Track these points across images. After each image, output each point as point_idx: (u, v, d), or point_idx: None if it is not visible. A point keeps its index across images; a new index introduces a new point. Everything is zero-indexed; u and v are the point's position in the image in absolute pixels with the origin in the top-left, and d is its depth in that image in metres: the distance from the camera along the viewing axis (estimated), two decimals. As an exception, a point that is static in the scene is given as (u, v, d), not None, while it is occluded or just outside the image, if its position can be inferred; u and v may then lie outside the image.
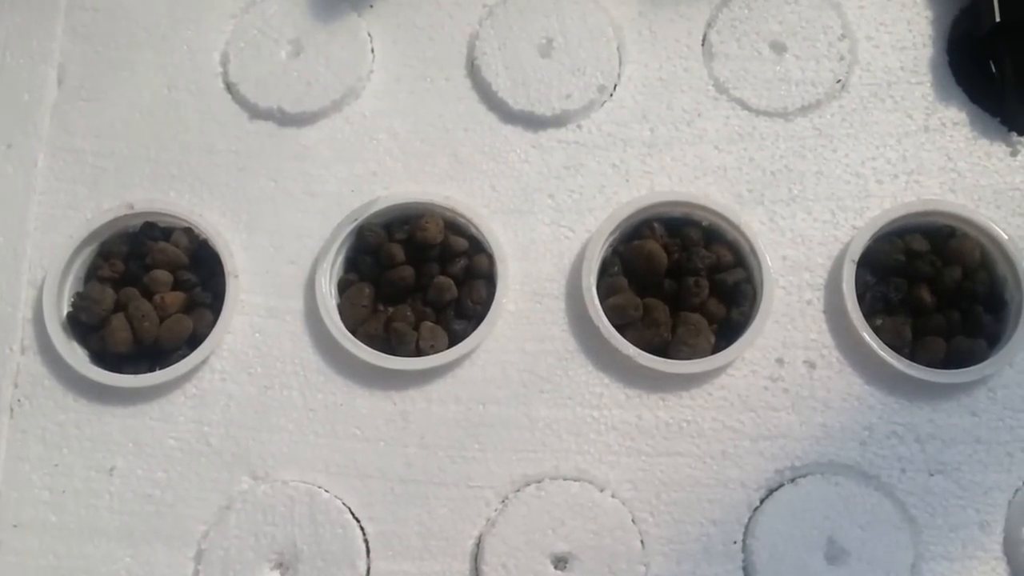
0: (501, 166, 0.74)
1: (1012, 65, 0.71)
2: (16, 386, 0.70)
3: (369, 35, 0.77)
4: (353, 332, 0.69)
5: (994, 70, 0.73)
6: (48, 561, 0.66)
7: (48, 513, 0.67)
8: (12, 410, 0.69)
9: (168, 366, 0.68)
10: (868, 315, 0.67)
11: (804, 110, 0.74)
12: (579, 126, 0.74)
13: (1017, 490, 0.65)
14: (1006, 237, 0.68)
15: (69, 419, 0.69)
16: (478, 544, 0.65)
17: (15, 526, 0.67)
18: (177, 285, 0.71)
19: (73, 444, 0.68)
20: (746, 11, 0.76)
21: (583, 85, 0.74)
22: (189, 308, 0.71)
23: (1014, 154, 0.72)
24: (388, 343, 0.69)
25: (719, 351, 0.67)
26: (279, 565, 0.65)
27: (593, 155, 0.73)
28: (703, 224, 0.71)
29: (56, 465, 0.68)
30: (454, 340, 0.69)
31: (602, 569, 0.64)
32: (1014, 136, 0.72)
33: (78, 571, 0.66)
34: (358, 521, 0.66)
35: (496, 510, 0.66)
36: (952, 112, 0.73)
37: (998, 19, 0.70)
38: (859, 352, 0.67)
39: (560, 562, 0.64)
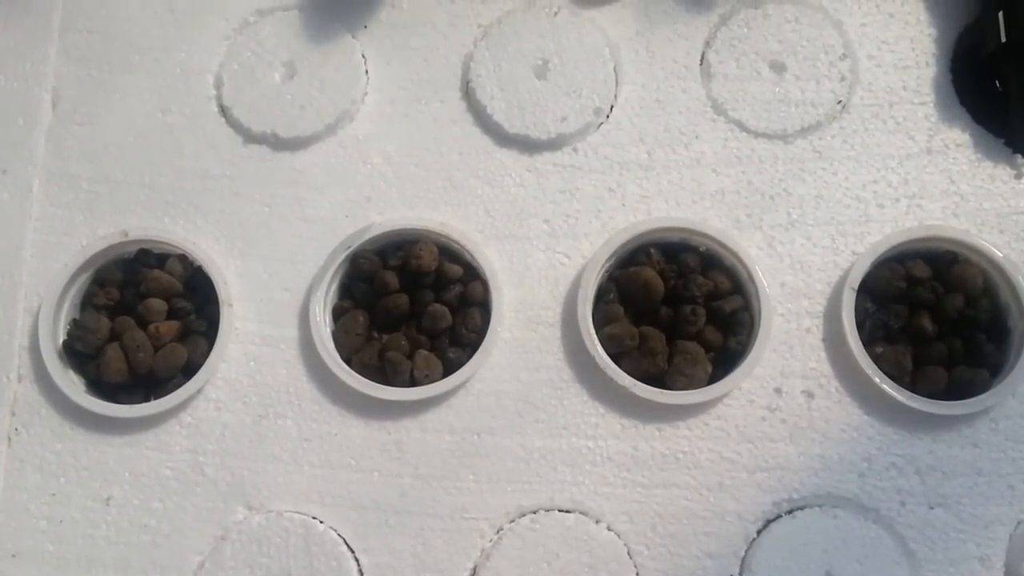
0: (496, 190, 0.73)
1: (1018, 85, 0.69)
2: (13, 415, 0.70)
3: (363, 56, 0.76)
4: (348, 360, 0.69)
5: (999, 89, 0.71)
6: (46, 592, 0.67)
7: (46, 543, 0.67)
8: (10, 439, 0.70)
9: (164, 395, 0.68)
10: (868, 343, 0.66)
11: (804, 132, 0.72)
12: (575, 149, 0.73)
13: (1019, 523, 0.64)
14: (1009, 263, 0.67)
15: (66, 448, 0.69)
16: (473, 576, 0.65)
17: (14, 555, 0.67)
18: (171, 313, 0.71)
19: (70, 474, 0.69)
20: (745, 30, 0.74)
21: (579, 107, 0.73)
22: (184, 336, 0.71)
23: (1019, 177, 0.70)
24: (383, 372, 0.69)
25: (716, 380, 0.66)
26: (274, 597, 0.65)
27: (589, 179, 0.73)
28: (700, 249, 0.70)
29: (53, 494, 0.68)
30: (449, 368, 0.68)
31: (596, 603, 0.64)
32: (1019, 158, 0.71)
33: (75, 603, 0.66)
34: (353, 553, 0.66)
35: (491, 541, 0.66)
36: (955, 133, 0.72)
37: (1004, 39, 0.69)
38: (858, 382, 0.66)
39: (555, 595, 0.64)
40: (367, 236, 0.70)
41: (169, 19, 0.79)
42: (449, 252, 0.71)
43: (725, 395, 0.67)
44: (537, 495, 0.66)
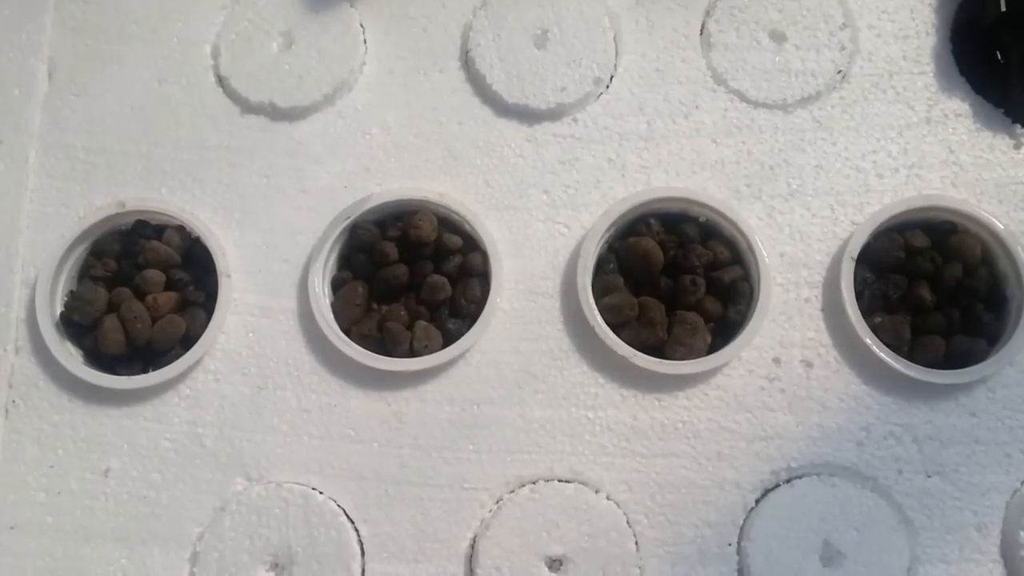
0: (495, 161, 0.73)
1: (1017, 55, 0.69)
2: (11, 387, 0.70)
3: (362, 26, 0.76)
4: (347, 332, 0.69)
5: (1000, 59, 0.71)
6: (44, 563, 0.66)
7: (44, 515, 0.67)
8: (7, 411, 0.69)
9: (162, 366, 0.68)
10: (867, 313, 0.67)
11: (804, 102, 0.72)
12: (575, 119, 0.73)
13: (1015, 491, 0.65)
14: (1008, 233, 0.67)
15: (64, 420, 0.69)
16: (472, 546, 0.65)
17: (12, 528, 0.67)
18: (170, 284, 0.71)
19: (68, 445, 0.69)
20: (745, -1, 0.74)
21: (579, 77, 0.73)
22: (182, 307, 0.71)
23: (1018, 147, 0.70)
24: (382, 343, 0.68)
25: (715, 350, 0.67)
26: (274, 567, 0.65)
27: (589, 149, 0.72)
28: (700, 220, 0.70)
29: (51, 466, 0.68)
30: (448, 339, 0.68)
31: (596, 572, 0.64)
32: (1018, 128, 0.71)
33: (74, 573, 0.66)
34: (352, 523, 0.66)
35: (490, 511, 0.66)
36: (955, 103, 0.72)
37: (1004, 9, 0.69)
38: (857, 351, 0.66)
39: (555, 564, 0.64)
40: (366, 207, 0.70)
41: (166, -12, 0.78)
42: (448, 223, 0.71)
43: (724, 365, 0.67)
44: (536, 465, 0.67)
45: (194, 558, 0.66)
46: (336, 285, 0.71)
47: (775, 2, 0.74)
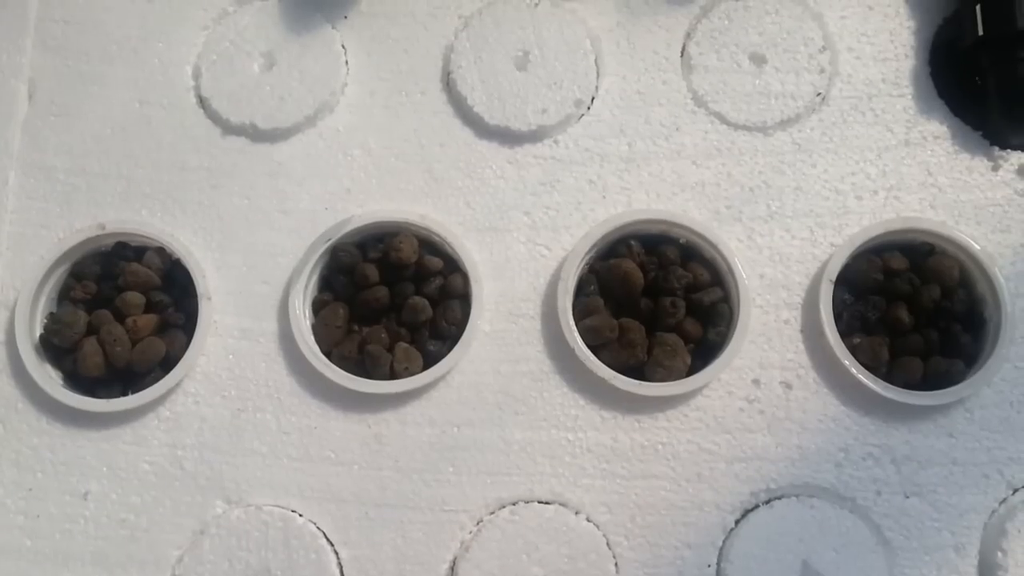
0: (476, 182, 0.73)
1: (995, 78, 0.70)
2: (-10, 409, 0.70)
3: (343, 47, 0.76)
4: (327, 354, 0.69)
5: (978, 82, 0.72)
6: (23, 586, 0.66)
7: (23, 538, 0.67)
8: (-14, 433, 0.69)
9: (142, 389, 0.68)
10: (845, 334, 0.67)
11: (783, 124, 0.72)
12: (556, 141, 0.73)
13: (993, 512, 0.65)
14: (986, 255, 0.67)
15: (43, 443, 0.69)
16: (452, 568, 0.65)
17: (-10, 551, 0.67)
18: (150, 306, 0.70)
19: (47, 468, 0.68)
20: (726, 22, 0.74)
21: (560, 99, 0.73)
22: (162, 330, 0.70)
23: (995, 169, 0.71)
24: (363, 365, 0.68)
25: (695, 372, 0.67)
26: (254, 590, 0.65)
27: (570, 171, 0.72)
28: (680, 241, 0.70)
29: (30, 489, 0.68)
30: (429, 361, 0.68)
31: (576, 594, 0.64)
32: (996, 150, 0.71)
33: (53, 597, 0.66)
34: (332, 546, 0.66)
35: (471, 534, 0.66)
36: (933, 125, 0.72)
37: (981, 32, 0.69)
38: (836, 373, 0.67)
39: (535, 586, 0.65)
40: (347, 228, 0.70)
41: (147, 9, 0.78)
42: (429, 244, 0.71)
43: (704, 386, 0.67)
44: (517, 487, 0.67)
45: (173, 582, 0.66)
46: (317, 307, 0.71)
47: (755, 25, 0.74)
